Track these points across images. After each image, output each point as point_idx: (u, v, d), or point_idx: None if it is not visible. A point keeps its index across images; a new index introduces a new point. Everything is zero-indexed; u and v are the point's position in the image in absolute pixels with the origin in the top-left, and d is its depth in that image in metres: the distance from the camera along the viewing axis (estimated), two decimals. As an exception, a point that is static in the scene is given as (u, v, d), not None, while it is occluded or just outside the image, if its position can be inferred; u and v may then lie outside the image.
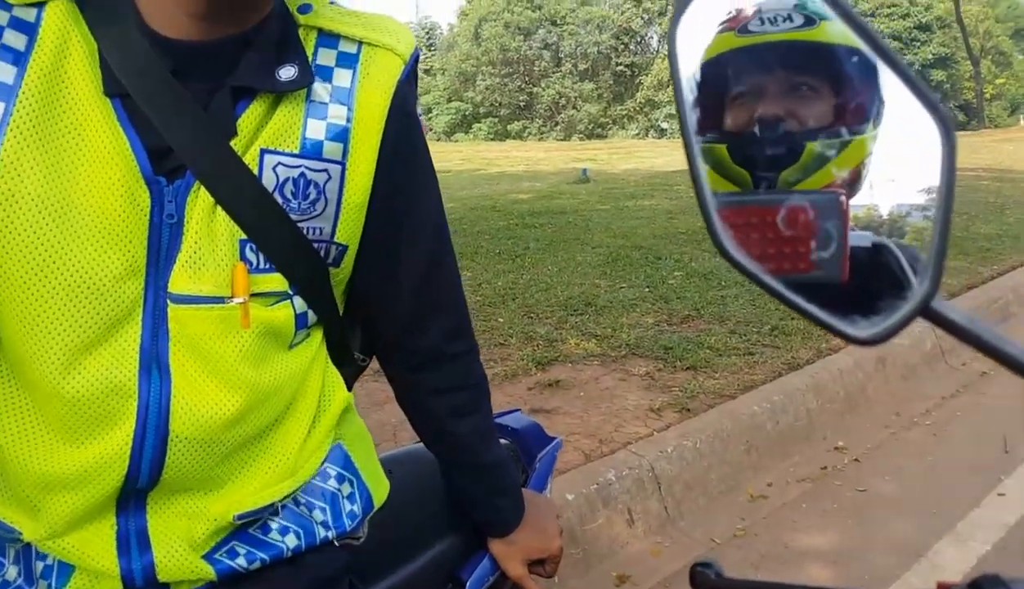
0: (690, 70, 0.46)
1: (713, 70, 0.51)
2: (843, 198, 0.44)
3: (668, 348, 3.69)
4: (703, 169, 0.42)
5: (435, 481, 1.06)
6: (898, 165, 0.46)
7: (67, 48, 0.71)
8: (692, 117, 0.42)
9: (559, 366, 3.56)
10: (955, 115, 33.12)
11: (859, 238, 0.43)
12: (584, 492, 2.46)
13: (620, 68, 37.11)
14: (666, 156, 17.48)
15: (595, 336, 3.92)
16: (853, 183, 0.49)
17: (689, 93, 0.46)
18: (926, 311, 0.39)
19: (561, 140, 34.59)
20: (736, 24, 0.49)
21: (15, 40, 0.69)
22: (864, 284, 0.44)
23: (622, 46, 37.33)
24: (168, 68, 0.72)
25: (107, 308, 0.72)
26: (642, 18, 37.27)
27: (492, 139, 35.67)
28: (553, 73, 37.93)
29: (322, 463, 0.89)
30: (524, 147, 25.90)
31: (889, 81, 0.41)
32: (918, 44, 32.12)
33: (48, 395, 0.73)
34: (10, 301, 0.70)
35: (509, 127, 38.11)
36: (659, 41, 38.13)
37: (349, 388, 0.98)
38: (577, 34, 37.39)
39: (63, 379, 0.72)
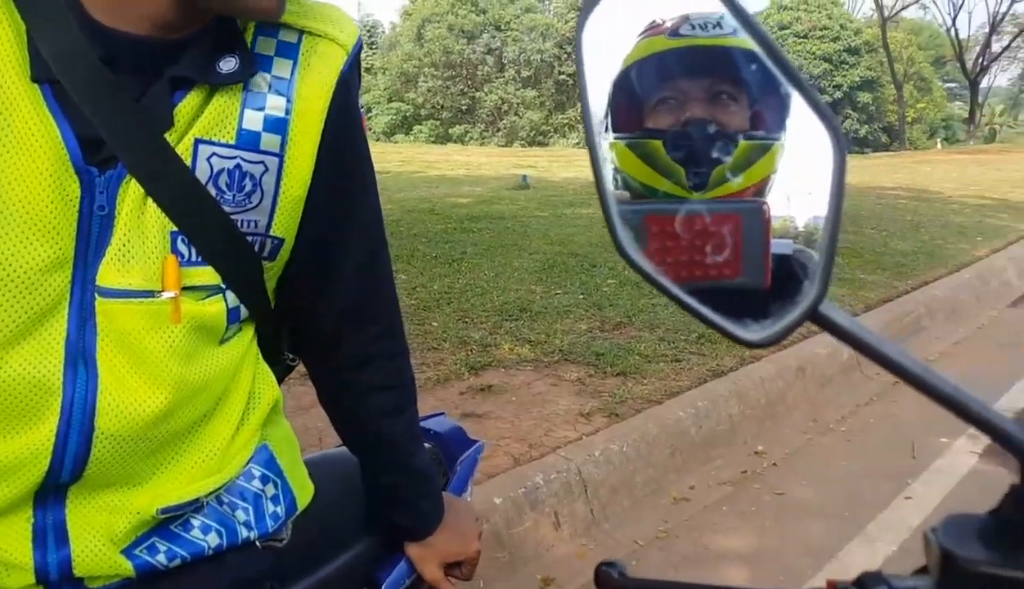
0: (601, 73, 0.47)
1: (638, 72, 0.52)
2: (766, 207, 0.45)
3: (600, 354, 3.75)
4: (608, 173, 0.44)
5: (354, 484, 1.05)
6: (816, 178, 0.46)
7: None
8: (597, 122, 0.43)
9: (492, 371, 3.58)
10: (879, 136, 34.39)
11: (781, 246, 0.45)
12: (512, 496, 2.48)
13: (563, 77, 37.33)
14: (604, 165, 17.52)
15: (529, 342, 3.96)
16: (762, 191, 0.50)
17: (600, 95, 0.47)
18: (814, 315, 0.40)
19: (502, 146, 34.63)
20: (667, 29, 0.50)
21: None
22: (773, 290, 0.45)
23: (565, 55, 37.55)
24: (102, 56, 0.70)
25: (32, 301, 0.70)
26: (584, 28, 37.57)
27: (433, 142, 35.46)
28: (496, 78, 37.94)
29: (248, 462, 0.87)
30: (465, 151, 25.84)
31: (791, 92, 0.42)
32: (847, 66, 33.19)
33: None
34: None
35: (451, 130, 37.95)
36: (600, 52, 38.47)
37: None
38: (521, 41, 37.49)
39: None
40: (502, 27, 37.81)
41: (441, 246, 6.28)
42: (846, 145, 0.42)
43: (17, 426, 0.72)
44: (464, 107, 38.30)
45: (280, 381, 0.99)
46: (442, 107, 38.24)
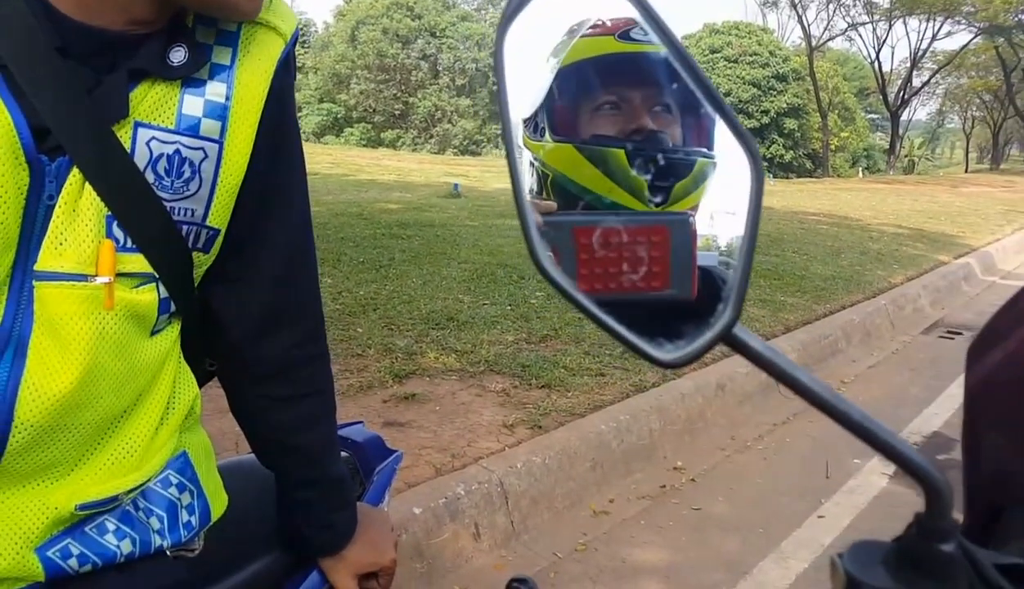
0: (522, 77, 0.45)
1: (579, 73, 0.50)
2: (692, 219, 0.45)
3: (525, 366, 3.75)
4: (526, 183, 0.43)
5: (266, 492, 1.02)
6: (738, 198, 0.45)
7: None
8: (517, 126, 0.42)
9: (416, 379, 3.54)
10: (803, 162, 35.60)
11: (707, 258, 0.44)
12: (432, 506, 2.46)
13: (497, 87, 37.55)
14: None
15: (455, 351, 3.94)
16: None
17: (520, 99, 0.44)
18: (727, 338, 0.40)
19: (435, 153, 34.55)
20: (614, 29, 0.48)
21: None
22: (692, 308, 0.45)
23: (500, 66, 37.78)
24: (56, 44, 0.69)
25: None
26: (521, 41, 37.89)
27: (364, 145, 35.14)
28: (430, 85, 37.89)
29: (165, 466, 0.86)
30: (397, 157, 25.66)
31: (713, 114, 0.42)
32: (775, 93, 34.25)
33: None
34: None
35: (383, 135, 37.69)
36: (536, 65, 38.85)
37: None
38: (456, 49, 37.56)
39: None
40: (437, 34, 37.82)
41: (369, 251, 6.21)
42: (763, 169, 0.42)
43: None
44: (397, 112, 38.11)
45: (200, 386, 0.96)
46: (374, 111, 37.97)
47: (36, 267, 0.71)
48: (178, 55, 0.74)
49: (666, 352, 0.41)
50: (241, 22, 0.79)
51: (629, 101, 0.52)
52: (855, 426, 0.41)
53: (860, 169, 40.10)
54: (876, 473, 3.30)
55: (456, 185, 12.34)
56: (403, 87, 37.90)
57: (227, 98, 0.77)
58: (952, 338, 5.79)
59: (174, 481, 0.87)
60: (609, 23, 0.47)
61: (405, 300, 4.80)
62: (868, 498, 3.11)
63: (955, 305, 7.04)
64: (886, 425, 0.42)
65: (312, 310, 0.95)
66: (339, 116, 38.67)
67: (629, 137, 0.51)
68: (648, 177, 0.48)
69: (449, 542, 2.46)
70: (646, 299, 0.43)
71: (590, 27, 0.48)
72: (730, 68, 34.17)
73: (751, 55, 34.31)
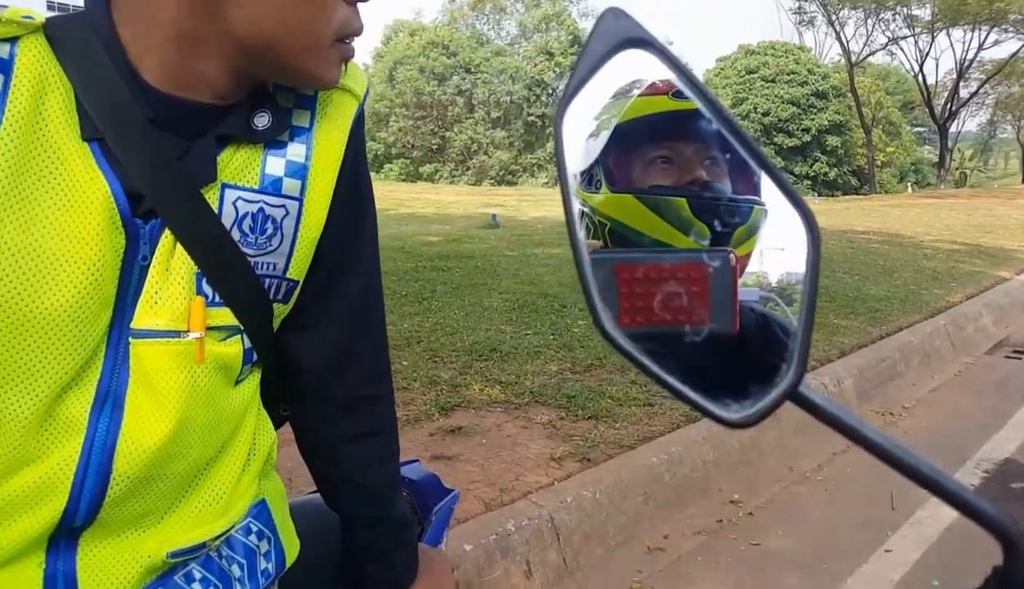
0: (577, 135, 0.46)
1: (633, 129, 0.53)
2: (732, 255, 0.46)
3: (571, 397, 3.72)
4: (584, 243, 0.42)
5: (327, 533, 1.02)
6: (785, 235, 0.47)
7: (45, 89, 0.70)
8: (571, 186, 0.42)
9: (462, 412, 3.53)
10: (848, 179, 35.13)
11: (748, 294, 0.46)
12: (483, 542, 2.43)
13: (532, 118, 37.89)
14: (575, 205, 17.72)
15: (499, 383, 3.92)
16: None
17: (580, 163, 0.46)
18: (793, 396, 0.40)
19: (472, 184, 34.92)
20: (667, 90, 0.51)
21: None
22: (738, 358, 0.46)
23: (534, 97, 38.17)
24: (148, 115, 0.73)
25: (79, 350, 0.72)
26: (554, 71, 38.27)
27: (403, 180, 35.66)
28: (466, 119, 38.38)
29: (248, 512, 0.89)
30: (435, 190, 25.98)
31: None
32: (815, 110, 33.97)
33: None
34: None
35: (421, 169, 38.23)
36: (571, 94, 39.13)
37: None
38: (491, 83, 38.04)
39: (23, 421, 0.71)
40: (472, 69, 38.40)
41: (411, 284, 6.25)
42: (819, 232, 0.42)
43: (37, 462, 0.73)
44: (434, 146, 38.65)
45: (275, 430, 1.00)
46: (412, 146, 38.57)
47: (132, 325, 0.74)
48: (262, 120, 0.79)
49: (732, 412, 0.42)
50: None
51: (682, 154, 0.55)
52: (925, 480, 0.42)
53: (909, 184, 39.40)
54: (945, 504, 3.16)
55: (494, 215, 12.43)
56: (440, 122, 38.46)
57: (306, 158, 0.82)
58: (1019, 358, 5.59)
59: (254, 528, 0.90)
60: (661, 84, 0.49)
61: (448, 332, 4.81)
62: (938, 530, 2.97)
63: (1021, 323, 6.77)
64: (956, 479, 0.42)
65: (379, 352, 0.98)
66: (379, 153, 39.34)
67: (686, 187, 0.53)
68: (710, 223, 0.50)
69: (501, 580, 2.42)
70: (687, 334, 0.44)
71: (645, 88, 0.50)
72: (768, 88, 33.99)
73: (789, 74, 34.10)
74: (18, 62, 0.69)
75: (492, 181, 36.56)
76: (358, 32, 0.79)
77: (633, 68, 0.46)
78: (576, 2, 41.80)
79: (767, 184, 0.43)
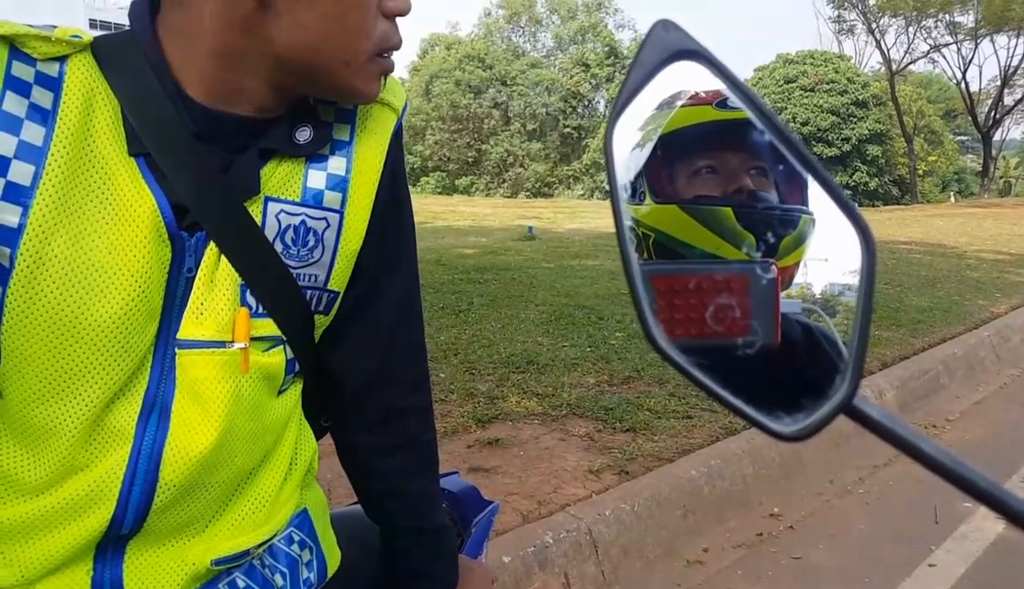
0: (624, 147, 0.47)
1: (677, 140, 0.53)
2: (774, 265, 0.45)
3: (608, 409, 3.70)
4: (634, 256, 0.42)
5: (367, 545, 1.03)
6: (831, 245, 0.47)
7: (93, 106, 0.72)
8: (625, 209, 0.42)
9: (499, 424, 3.53)
10: (890, 189, 34.52)
11: (790, 305, 0.45)
12: (521, 554, 2.42)
13: (568, 130, 37.90)
14: (610, 217, 17.71)
15: (536, 395, 3.91)
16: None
17: (624, 175, 0.46)
18: (847, 409, 0.40)
19: (508, 197, 35.00)
20: (711, 99, 0.51)
21: (42, 97, 0.70)
22: (787, 370, 0.45)
23: (570, 109, 38.20)
24: (193, 130, 0.75)
25: (127, 360, 0.74)
26: (590, 83, 38.29)
27: (440, 193, 35.87)
28: (502, 131, 38.51)
29: (289, 522, 0.90)
30: (471, 202, 26.09)
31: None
32: (855, 120, 33.45)
33: (44, 442, 0.74)
34: (33, 359, 0.71)
35: (457, 182, 38.43)
36: (606, 105, 39.09)
37: None
38: (527, 95, 38.15)
39: (73, 429, 0.73)
40: (508, 82, 38.54)
41: (447, 297, 6.28)
42: (875, 244, 0.41)
43: (85, 471, 0.75)
44: (470, 159, 38.83)
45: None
46: (448, 159, 38.79)
47: (178, 336, 0.76)
48: (304, 134, 0.80)
49: (785, 425, 0.41)
50: None
51: (727, 164, 0.55)
52: (984, 495, 0.41)
53: (951, 193, 38.60)
54: (990, 517, 3.09)
55: (530, 228, 12.44)
56: (476, 135, 38.66)
57: (347, 171, 0.83)
58: (1066, 369, 5.43)
59: (296, 538, 0.91)
60: (704, 94, 0.49)
61: (485, 344, 4.82)
62: (983, 545, 2.90)
63: (1068, 334, 6.61)
64: (1017, 494, 0.41)
65: (418, 364, 0.99)
66: (415, 167, 39.64)
67: (732, 197, 0.53)
68: (756, 232, 0.50)
69: (539, 593, 2.41)
70: (727, 345, 0.44)
71: (689, 98, 0.50)
72: (807, 97, 33.58)
73: (828, 83, 33.65)
74: (67, 80, 0.71)
75: (528, 193, 36.62)
76: (397, 46, 0.80)
77: (681, 79, 0.46)
78: (612, 13, 41.85)
79: (817, 194, 0.43)
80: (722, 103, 0.49)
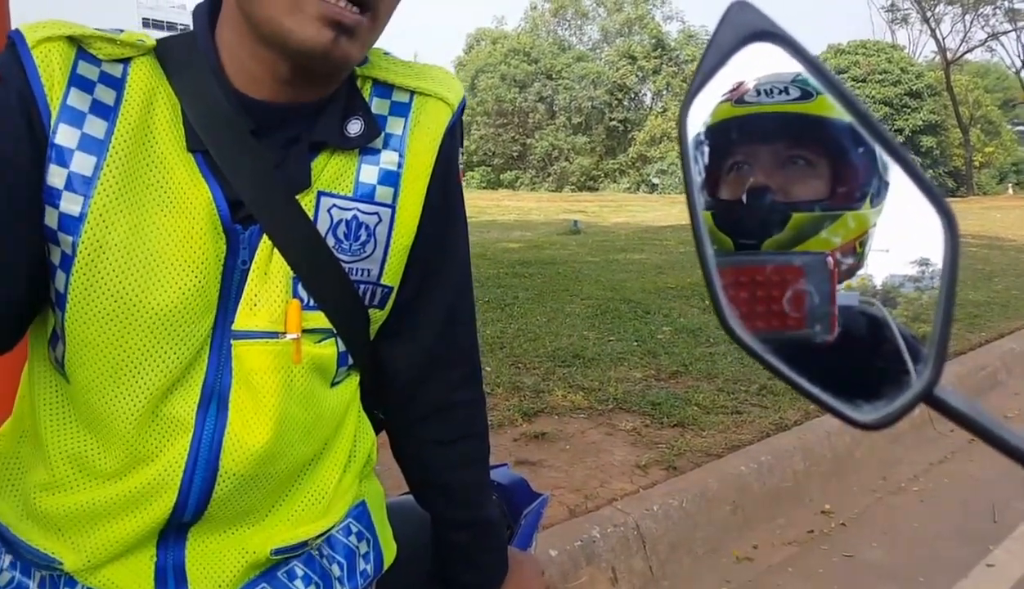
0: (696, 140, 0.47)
1: (712, 138, 0.51)
2: (829, 258, 0.45)
3: (656, 404, 3.67)
4: (710, 251, 0.42)
5: (418, 536, 1.03)
6: (893, 236, 0.47)
7: (153, 104, 0.75)
8: (699, 198, 0.41)
9: (545, 418, 3.53)
10: (945, 181, 33.60)
11: (847, 298, 0.45)
12: (568, 548, 2.42)
13: (613, 123, 37.64)
14: (657, 211, 17.65)
15: (582, 389, 3.90)
16: (847, 254, 0.49)
17: (695, 168, 0.46)
18: (929, 398, 0.39)
19: (553, 191, 34.92)
20: (735, 95, 0.50)
21: (105, 95, 0.74)
22: (863, 359, 0.44)
23: (616, 102, 37.93)
24: (248, 126, 0.77)
25: (185, 349, 0.76)
26: (636, 76, 37.96)
27: (485, 187, 35.96)
28: (547, 125, 38.40)
29: (347, 513, 0.91)
30: (516, 197, 26.11)
31: (892, 168, 0.42)
32: (908, 110, 32.61)
33: (109, 428, 0.76)
34: (95, 345, 0.74)
35: (502, 176, 38.46)
36: (652, 98, 38.77)
37: None
38: (572, 89, 37.97)
39: (133, 416, 0.75)
40: (553, 76, 38.39)
41: (493, 291, 6.30)
42: (957, 229, 0.41)
43: (150, 459, 0.77)
44: (515, 154, 38.81)
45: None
46: (494, 154, 38.82)
47: (234, 327, 0.77)
48: (355, 126, 0.81)
49: (864, 414, 0.40)
50: (413, 93, 0.85)
51: (749, 160, 0.53)
52: None
53: (1010, 185, 37.42)
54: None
55: (576, 222, 12.40)
56: (521, 129, 38.63)
57: (399, 166, 0.83)
58: None
59: (354, 529, 0.92)
60: (733, 89, 0.49)
61: (530, 338, 4.83)
62: (1044, 545, 2.83)
63: None
64: None
65: (470, 356, 0.99)
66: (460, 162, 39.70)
67: (746, 194, 0.52)
68: (733, 234, 0.49)
69: (587, 586, 2.41)
70: (789, 339, 0.43)
71: (723, 95, 0.49)
72: (858, 88, 32.80)
73: (881, 73, 32.86)
74: (130, 80, 0.75)
75: (573, 187, 36.49)
76: None
77: (759, 62, 0.45)
78: (660, 5, 41.40)
79: (898, 177, 0.42)
80: (739, 100, 0.49)
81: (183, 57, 0.77)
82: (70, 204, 0.71)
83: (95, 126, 0.72)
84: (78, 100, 0.72)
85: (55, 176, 0.71)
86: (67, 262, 0.72)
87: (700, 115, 0.43)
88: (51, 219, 0.72)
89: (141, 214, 0.73)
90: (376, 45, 0.86)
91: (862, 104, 0.40)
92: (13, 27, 0.75)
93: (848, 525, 3.01)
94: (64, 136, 0.71)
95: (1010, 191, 33.63)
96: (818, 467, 3.30)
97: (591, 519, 2.60)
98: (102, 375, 0.75)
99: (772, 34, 0.41)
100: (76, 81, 0.72)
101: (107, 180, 0.72)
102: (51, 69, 0.71)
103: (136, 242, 0.73)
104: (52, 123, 0.71)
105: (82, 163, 0.72)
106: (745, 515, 2.93)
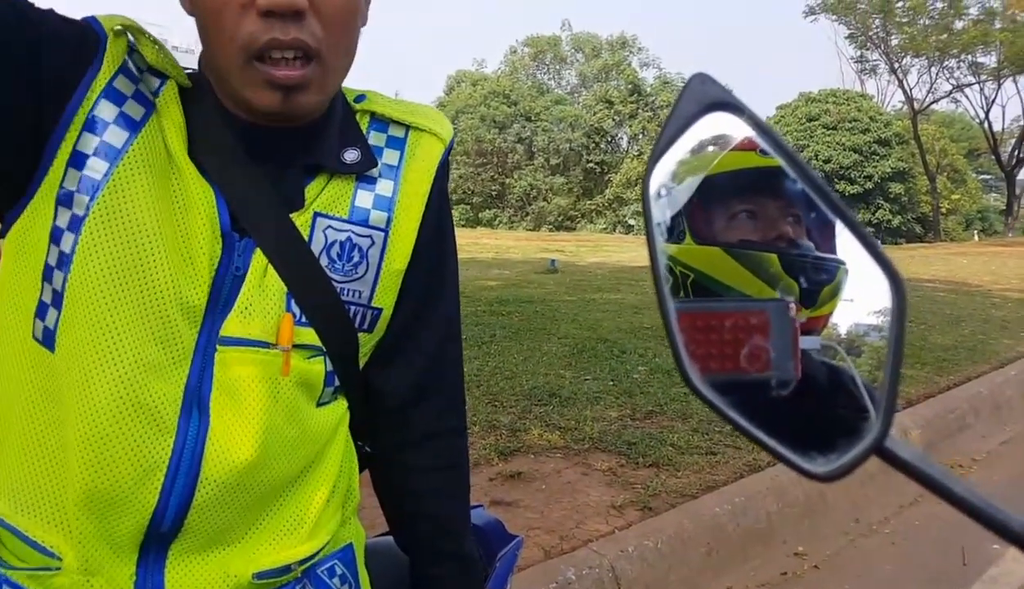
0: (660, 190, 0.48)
1: (720, 184, 0.54)
2: (792, 304, 0.47)
3: (631, 444, 3.68)
4: (670, 297, 0.44)
5: (396, 578, 1.03)
6: (856, 286, 0.48)
7: (167, 123, 0.81)
8: (662, 258, 0.43)
9: (521, 457, 3.52)
10: (913, 227, 34.19)
11: (809, 342, 0.47)
12: (543, 591, 2.41)
13: (591, 165, 38.04)
14: (633, 251, 17.78)
15: (559, 428, 3.90)
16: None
17: (657, 229, 0.48)
18: (879, 450, 0.41)
19: (531, 230, 35.10)
20: (756, 146, 0.52)
21: (150, 82, 0.81)
22: (821, 408, 0.46)
23: (593, 144, 38.38)
24: (244, 148, 0.82)
25: (174, 346, 0.77)
26: (613, 120, 38.47)
27: (463, 225, 36.05)
28: (526, 166, 38.74)
29: (335, 553, 0.92)
30: (494, 235, 26.20)
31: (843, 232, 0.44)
32: (877, 158, 33.24)
33: (94, 418, 0.75)
34: (90, 304, 0.75)
35: (480, 215, 38.63)
36: (629, 142, 39.24)
37: None
38: (550, 131, 38.41)
39: (111, 399, 0.75)
40: (532, 118, 38.83)
41: (471, 328, 6.29)
42: (905, 290, 0.43)
43: (131, 460, 0.76)
44: (494, 193, 39.04)
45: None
46: (473, 192, 39.02)
47: (222, 333, 0.79)
48: (352, 155, 0.86)
49: (818, 466, 0.42)
50: (409, 128, 0.91)
51: (766, 210, 0.56)
52: (1016, 537, 0.41)
53: (975, 232, 38.16)
54: (1020, 560, 3.02)
55: (553, 261, 12.45)
56: (500, 169, 38.91)
57: (394, 193, 0.88)
58: (1096, 410, 5.33)
59: (338, 571, 0.92)
60: (741, 142, 0.51)
61: (507, 376, 4.82)
62: (1013, 588, 2.85)
63: (1097, 375, 6.49)
64: None
65: (457, 385, 1.01)
66: (439, 198, 39.73)
67: (773, 243, 0.54)
68: (798, 279, 0.51)
69: (560, 630, 2.39)
70: (747, 381, 0.45)
71: (737, 143, 0.51)
72: (829, 135, 33.48)
73: (850, 121, 33.54)
74: (162, 96, 0.82)
75: (551, 227, 36.71)
76: (269, 47, 0.75)
77: (715, 127, 0.48)
78: (637, 52, 42.15)
79: (845, 237, 0.44)
80: (766, 151, 0.51)
81: (195, 81, 0.84)
82: (93, 169, 0.76)
83: (135, 109, 0.78)
84: (123, 85, 0.78)
85: (86, 143, 0.76)
86: (76, 223, 0.75)
87: (661, 178, 0.45)
88: (71, 182, 0.76)
89: (154, 194, 0.78)
90: (361, 87, 0.93)
91: (813, 171, 0.43)
92: None
93: (821, 568, 3.02)
94: (104, 110, 0.77)
95: (976, 238, 34.28)
96: (791, 508, 3.31)
97: (566, 560, 2.59)
98: (89, 341, 0.75)
99: (729, 105, 0.44)
100: (125, 70, 0.79)
101: (134, 154, 0.77)
102: (113, 52, 0.78)
103: (144, 216, 0.76)
104: (92, 86, 0.76)
105: (114, 136, 0.77)
106: (719, 557, 2.93)
